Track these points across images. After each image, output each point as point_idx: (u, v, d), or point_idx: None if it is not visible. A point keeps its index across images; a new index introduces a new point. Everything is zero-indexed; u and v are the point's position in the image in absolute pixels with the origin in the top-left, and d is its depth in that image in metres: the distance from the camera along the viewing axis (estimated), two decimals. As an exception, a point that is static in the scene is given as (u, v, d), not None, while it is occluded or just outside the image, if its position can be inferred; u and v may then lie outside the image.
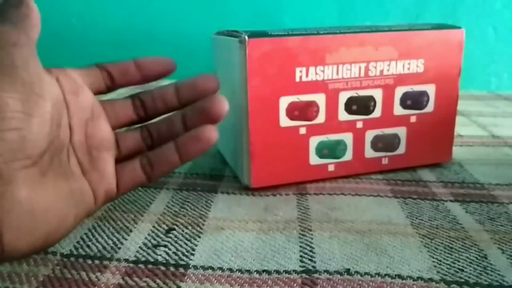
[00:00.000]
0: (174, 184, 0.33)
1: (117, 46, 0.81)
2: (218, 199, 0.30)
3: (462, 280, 0.22)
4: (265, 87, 0.29)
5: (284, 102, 0.30)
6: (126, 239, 0.25)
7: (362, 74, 0.31)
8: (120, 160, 0.27)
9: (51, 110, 0.22)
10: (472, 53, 0.72)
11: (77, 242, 0.25)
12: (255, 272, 0.22)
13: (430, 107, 0.33)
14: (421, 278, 0.22)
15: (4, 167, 0.19)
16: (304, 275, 0.22)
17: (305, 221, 0.27)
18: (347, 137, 0.32)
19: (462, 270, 0.22)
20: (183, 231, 0.26)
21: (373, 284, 0.21)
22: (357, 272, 0.22)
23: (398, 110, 0.33)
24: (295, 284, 0.21)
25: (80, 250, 0.24)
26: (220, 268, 0.22)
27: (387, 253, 0.24)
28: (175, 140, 0.27)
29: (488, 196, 0.31)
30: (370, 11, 0.75)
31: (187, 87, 0.28)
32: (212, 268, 0.23)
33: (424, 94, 0.33)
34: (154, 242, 0.25)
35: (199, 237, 0.26)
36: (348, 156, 0.33)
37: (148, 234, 0.26)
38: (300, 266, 0.23)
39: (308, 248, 0.24)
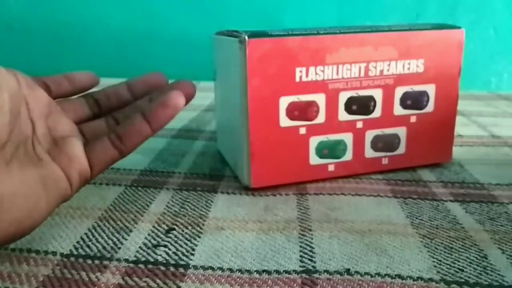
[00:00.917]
0: (174, 184, 0.33)
1: (117, 46, 0.81)
2: (218, 199, 0.30)
3: (462, 280, 0.22)
4: (265, 87, 0.29)
5: (284, 102, 0.30)
6: (126, 239, 0.25)
7: (362, 74, 0.31)
8: (89, 143, 0.27)
9: (8, 101, 0.22)
10: (472, 53, 0.72)
11: (77, 242, 0.25)
12: (255, 272, 0.22)
13: (430, 107, 0.33)
14: (421, 278, 0.22)
15: None
16: (304, 275, 0.22)
17: (305, 221, 0.27)
18: (347, 137, 0.32)
19: (462, 270, 0.22)
20: (183, 231, 0.26)
21: (373, 284, 0.21)
22: (357, 272, 0.22)
23: (398, 110, 0.33)
24: (295, 284, 0.21)
25: (80, 250, 0.24)
26: (220, 268, 0.23)
27: (387, 253, 0.24)
28: (142, 110, 0.27)
29: (488, 196, 0.31)
30: (370, 11, 0.75)
31: (139, 82, 0.31)
32: (212, 268, 0.23)
33: (424, 94, 0.33)
34: (154, 242, 0.25)
35: (199, 237, 0.26)
36: (348, 156, 0.33)
37: (148, 234, 0.26)
38: (300, 266, 0.23)
39: (308, 248, 0.24)
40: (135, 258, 0.23)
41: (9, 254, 0.24)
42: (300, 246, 0.24)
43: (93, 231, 0.26)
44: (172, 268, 0.23)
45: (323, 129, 0.31)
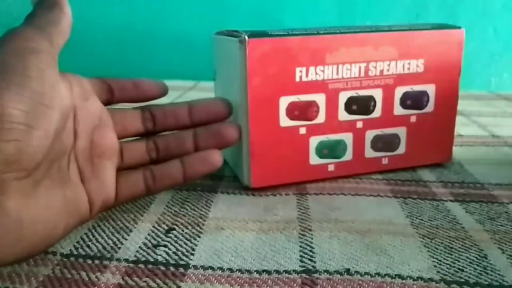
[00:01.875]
0: (174, 184, 0.33)
1: (117, 46, 0.81)
2: (218, 199, 0.30)
3: (462, 280, 0.22)
4: (265, 87, 0.29)
5: (284, 102, 0.30)
6: (126, 239, 0.25)
7: (362, 74, 0.31)
8: (122, 169, 0.27)
9: (57, 121, 0.21)
10: (472, 53, 0.72)
11: (77, 242, 0.25)
12: (255, 272, 0.22)
13: (430, 107, 0.33)
14: (421, 278, 0.22)
15: None
16: (304, 275, 0.22)
17: (305, 221, 0.27)
18: (347, 137, 0.32)
19: (462, 270, 0.22)
20: (183, 231, 0.26)
21: (373, 284, 0.21)
22: (357, 272, 0.22)
23: (398, 110, 0.32)
24: (295, 284, 0.21)
25: (80, 250, 0.24)
26: (220, 268, 0.23)
27: (387, 253, 0.24)
28: (181, 158, 0.28)
29: (488, 196, 0.31)
30: (370, 11, 0.75)
31: (200, 108, 0.29)
32: (212, 268, 0.23)
33: (424, 94, 0.33)
34: (154, 242, 0.25)
35: (199, 237, 0.26)
36: (348, 156, 0.32)
37: (148, 234, 0.26)
38: (300, 266, 0.23)
39: (308, 248, 0.24)
40: (135, 258, 0.23)
41: (9, 254, 0.24)
42: (300, 246, 0.24)
43: (93, 231, 0.26)
44: (172, 268, 0.23)
45: (323, 129, 0.31)
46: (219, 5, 0.77)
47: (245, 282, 0.21)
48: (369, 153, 0.33)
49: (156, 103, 0.30)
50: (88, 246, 0.24)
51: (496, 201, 0.30)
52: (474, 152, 0.40)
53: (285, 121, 0.30)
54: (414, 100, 0.33)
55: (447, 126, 0.34)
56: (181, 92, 0.64)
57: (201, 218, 0.28)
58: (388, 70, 0.31)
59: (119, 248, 0.24)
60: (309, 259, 0.23)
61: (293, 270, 0.22)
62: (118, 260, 0.23)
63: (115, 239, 0.25)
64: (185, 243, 0.25)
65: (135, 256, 0.24)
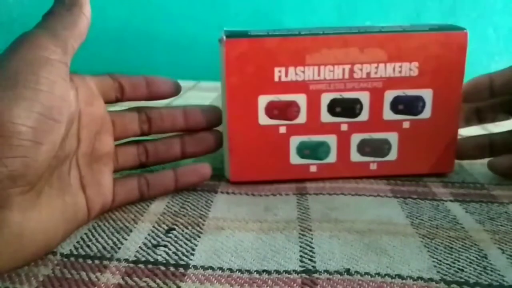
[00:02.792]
0: (174, 184, 0.33)
1: (117, 46, 0.81)
2: (218, 199, 0.30)
3: (462, 280, 0.22)
4: (243, 86, 0.30)
5: (263, 100, 0.30)
6: (126, 239, 0.25)
7: (347, 76, 0.30)
8: (116, 171, 0.28)
9: (64, 131, 0.21)
10: (472, 53, 0.72)
11: (77, 242, 0.25)
12: (255, 272, 0.22)
13: (426, 113, 0.32)
14: (421, 278, 0.22)
15: (1, 193, 0.19)
16: (304, 275, 0.22)
17: (305, 221, 0.27)
18: (331, 139, 0.32)
19: (462, 270, 0.22)
20: (183, 231, 0.26)
21: (373, 284, 0.21)
22: (357, 272, 0.22)
23: (388, 114, 0.32)
24: (295, 284, 0.21)
25: (80, 250, 0.24)
26: (220, 268, 0.22)
27: (387, 253, 0.24)
28: (174, 168, 0.30)
29: (488, 196, 0.31)
30: (370, 11, 0.75)
31: (195, 113, 0.30)
32: (212, 268, 0.23)
33: (419, 99, 0.31)
34: (154, 242, 0.25)
35: (199, 237, 0.26)
36: (332, 158, 0.32)
37: (148, 234, 0.26)
38: (300, 266, 0.23)
39: (308, 248, 0.24)
40: (135, 258, 0.23)
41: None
42: (300, 246, 0.24)
43: (93, 231, 0.26)
44: (172, 268, 0.23)
45: (304, 129, 0.31)
46: (219, 5, 0.77)
47: (245, 282, 0.21)
48: (355, 157, 0.32)
49: (151, 105, 0.30)
50: (88, 246, 0.24)
51: (496, 201, 0.30)
52: (474, 152, 0.39)
53: (264, 119, 0.31)
54: (407, 105, 0.31)
55: (448, 134, 0.32)
56: (181, 92, 0.63)
57: (201, 218, 0.28)
58: (376, 72, 0.31)
59: (119, 248, 0.24)
60: (309, 259, 0.23)
61: (293, 270, 0.22)
62: (118, 260, 0.23)
63: (115, 239, 0.25)
64: (185, 243, 0.25)
65: (135, 256, 0.24)
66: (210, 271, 0.22)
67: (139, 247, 0.24)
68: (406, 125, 0.32)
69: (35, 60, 0.20)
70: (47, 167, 0.21)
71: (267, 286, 0.21)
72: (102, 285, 0.21)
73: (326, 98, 0.31)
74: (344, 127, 0.32)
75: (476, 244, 0.25)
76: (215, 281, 0.22)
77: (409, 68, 0.31)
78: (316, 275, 0.22)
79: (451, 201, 0.30)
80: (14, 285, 0.21)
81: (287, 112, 0.31)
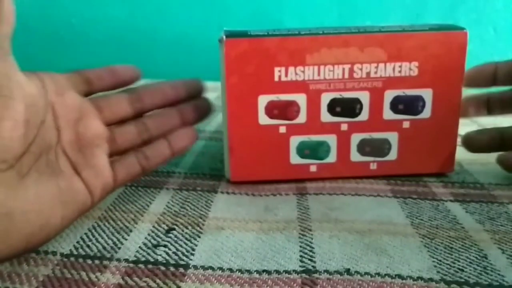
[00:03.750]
0: (174, 184, 0.33)
1: (117, 46, 0.81)
2: (218, 199, 0.30)
3: (462, 280, 0.22)
4: (243, 85, 0.30)
5: (263, 100, 0.30)
6: (126, 239, 0.25)
7: (346, 75, 0.30)
8: (118, 153, 0.28)
9: (24, 111, 0.21)
10: (472, 53, 0.72)
11: (77, 242, 0.25)
12: (255, 272, 0.22)
13: (426, 113, 0.32)
14: (421, 278, 0.22)
15: None
16: (304, 275, 0.22)
17: (305, 221, 0.27)
18: (331, 139, 0.32)
19: (462, 270, 0.22)
20: (183, 231, 0.26)
21: (373, 284, 0.21)
22: (357, 272, 0.22)
23: (388, 114, 0.31)
24: (295, 284, 0.21)
25: (80, 250, 0.24)
26: (220, 268, 0.23)
27: (387, 253, 0.24)
28: (165, 136, 0.30)
29: (488, 196, 0.31)
30: (370, 11, 0.75)
31: (181, 84, 0.32)
32: (212, 268, 0.23)
33: (419, 98, 0.31)
34: (154, 242, 0.25)
35: (199, 237, 0.26)
36: (332, 158, 0.32)
37: (148, 234, 0.26)
38: (300, 266, 0.23)
39: (308, 248, 0.24)
40: (135, 258, 0.23)
41: (9, 254, 0.24)
42: (300, 246, 0.24)
43: (93, 231, 0.26)
44: (172, 268, 0.23)
45: (304, 129, 0.31)
46: (219, 5, 0.77)
47: (245, 282, 0.21)
48: (355, 156, 0.32)
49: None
50: (88, 246, 0.24)
51: (496, 201, 0.30)
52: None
53: (264, 119, 0.31)
54: (407, 105, 0.31)
55: (448, 134, 0.32)
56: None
57: (201, 218, 0.28)
58: (375, 72, 0.31)
59: (119, 248, 0.24)
60: (309, 259, 0.23)
61: (293, 270, 0.22)
62: (118, 260, 0.23)
63: (115, 239, 0.25)
64: (185, 243, 0.25)
65: (135, 256, 0.24)
66: (210, 271, 0.22)
67: (139, 247, 0.24)
68: (406, 125, 0.32)
69: None
70: (23, 150, 0.21)
71: (267, 286, 0.21)
72: (102, 285, 0.21)
73: (326, 98, 0.31)
74: (344, 127, 0.32)
75: (476, 244, 0.25)
76: (215, 281, 0.22)
77: (409, 68, 0.31)
78: (316, 275, 0.22)
79: (451, 201, 0.30)
80: (14, 285, 0.21)
81: (287, 112, 0.31)
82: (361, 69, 0.30)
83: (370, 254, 0.24)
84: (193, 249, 0.24)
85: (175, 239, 0.25)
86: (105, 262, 0.23)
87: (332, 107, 0.31)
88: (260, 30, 0.31)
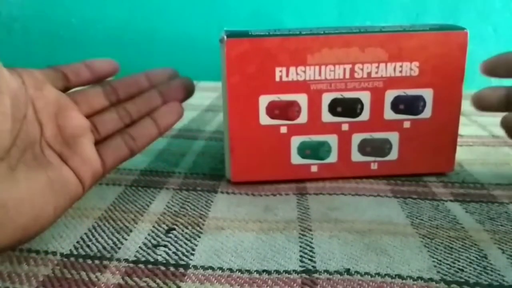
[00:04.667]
0: (174, 184, 0.33)
1: (117, 46, 0.81)
2: (218, 199, 0.30)
3: (462, 280, 0.22)
4: (244, 86, 0.30)
5: (264, 100, 0.30)
6: (126, 239, 0.25)
7: (347, 75, 0.30)
8: (102, 141, 0.28)
9: (10, 105, 0.22)
10: (472, 53, 0.72)
11: (77, 242, 0.25)
12: (255, 272, 0.22)
13: (427, 113, 0.32)
14: (421, 278, 0.22)
15: None
16: (304, 275, 0.22)
17: (305, 221, 0.27)
18: (332, 139, 0.32)
19: (462, 270, 0.22)
20: (183, 231, 0.26)
21: (373, 284, 0.21)
22: (357, 272, 0.22)
23: (389, 114, 0.32)
24: (295, 284, 0.21)
25: (80, 250, 0.24)
26: (220, 268, 0.23)
27: (387, 253, 0.24)
28: (150, 115, 0.30)
29: (488, 196, 0.31)
30: (370, 11, 0.75)
31: (156, 73, 0.32)
32: (212, 268, 0.23)
33: (419, 98, 0.31)
34: (154, 242, 0.25)
35: (199, 237, 0.26)
36: (333, 158, 0.32)
37: (148, 234, 0.26)
38: (300, 266, 0.23)
39: (308, 248, 0.24)
40: (135, 258, 0.23)
41: (9, 254, 0.24)
42: (300, 246, 0.24)
43: (93, 231, 0.26)
44: (172, 268, 0.23)
45: (305, 129, 0.31)
46: (219, 5, 0.77)
47: (245, 282, 0.21)
48: (356, 156, 0.32)
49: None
50: (88, 246, 0.24)
51: (496, 201, 0.30)
52: (474, 152, 0.40)
53: (265, 119, 0.31)
54: (407, 105, 0.31)
55: (448, 134, 0.32)
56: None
57: (201, 218, 0.28)
58: (376, 72, 0.31)
59: (119, 248, 0.24)
60: (309, 259, 0.23)
61: (293, 270, 0.22)
62: (118, 260, 0.23)
63: (115, 239, 0.25)
64: (185, 243, 0.25)
65: (135, 256, 0.24)
66: (210, 271, 0.22)
67: (139, 247, 0.24)
68: (406, 124, 0.32)
69: None
70: (10, 143, 0.21)
71: (267, 286, 0.21)
72: (102, 285, 0.21)
73: (327, 98, 0.31)
74: (345, 127, 0.32)
75: (476, 244, 0.25)
76: (215, 281, 0.22)
77: (410, 68, 0.31)
78: (316, 275, 0.22)
79: (451, 201, 0.30)
80: (14, 285, 0.21)
81: (288, 112, 0.31)
82: (362, 69, 0.30)
83: (370, 254, 0.24)
84: (193, 249, 0.24)
85: (175, 239, 0.25)
86: (105, 262, 0.23)
87: (333, 107, 0.31)
88: (261, 30, 0.31)
